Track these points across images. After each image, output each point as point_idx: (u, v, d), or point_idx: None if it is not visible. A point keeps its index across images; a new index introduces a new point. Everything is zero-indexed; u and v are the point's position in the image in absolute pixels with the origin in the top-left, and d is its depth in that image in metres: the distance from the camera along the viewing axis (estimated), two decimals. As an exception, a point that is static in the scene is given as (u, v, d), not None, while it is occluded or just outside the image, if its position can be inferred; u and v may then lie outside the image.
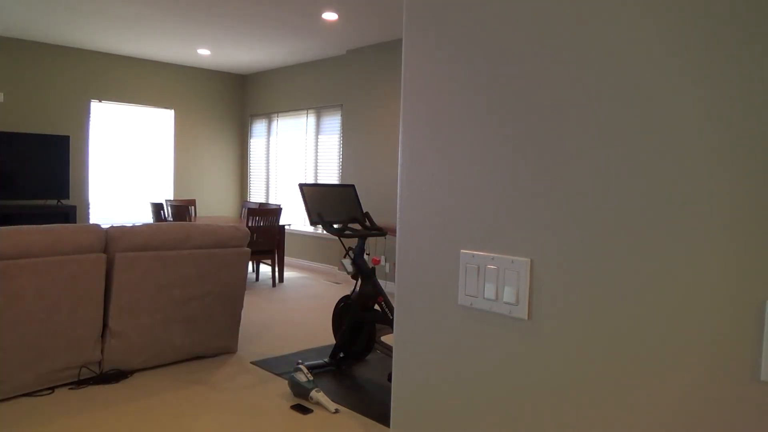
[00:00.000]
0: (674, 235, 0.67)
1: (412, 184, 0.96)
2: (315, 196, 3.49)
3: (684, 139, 0.66)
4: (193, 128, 8.40)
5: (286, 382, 3.38)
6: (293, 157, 8.01)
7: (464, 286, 0.89)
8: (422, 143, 0.94)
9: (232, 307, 3.79)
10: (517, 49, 0.81)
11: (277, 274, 6.73)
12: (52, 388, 3.12)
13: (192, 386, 3.25)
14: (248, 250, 3.82)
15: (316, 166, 7.64)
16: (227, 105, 8.73)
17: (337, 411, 2.97)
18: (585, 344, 0.76)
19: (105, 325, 3.28)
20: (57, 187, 7.00)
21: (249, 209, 5.89)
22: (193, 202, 7.48)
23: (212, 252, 3.62)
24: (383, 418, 2.92)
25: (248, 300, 5.57)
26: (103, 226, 3.26)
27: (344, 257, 3.61)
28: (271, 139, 8.41)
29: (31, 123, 6.97)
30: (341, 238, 3.65)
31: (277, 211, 6.09)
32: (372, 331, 3.59)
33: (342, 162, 7.00)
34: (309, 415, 2.92)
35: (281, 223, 6.59)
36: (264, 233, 6.01)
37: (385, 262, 6.23)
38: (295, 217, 7.90)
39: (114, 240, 3.24)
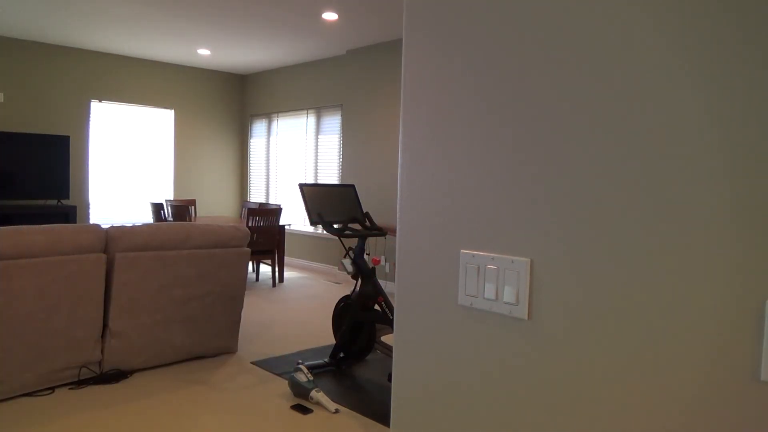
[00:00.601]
0: (674, 234, 0.67)
1: (412, 184, 0.96)
2: (315, 196, 3.49)
3: (684, 139, 0.66)
4: (193, 128, 8.40)
5: (286, 382, 3.38)
6: (293, 157, 8.01)
7: (464, 286, 0.89)
8: (422, 143, 0.94)
9: (232, 307, 3.79)
10: (517, 49, 0.81)
11: (277, 274, 6.73)
12: (52, 388, 3.12)
13: (192, 386, 3.25)
14: (248, 250, 3.82)
15: (316, 166, 7.64)
16: (227, 105, 8.73)
17: (337, 411, 2.98)
18: (585, 344, 0.76)
19: (105, 325, 3.28)
20: (57, 187, 7.00)
21: (249, 209, 5.89)
22: (193, 202, 7.48)
23: (212, 252, 3.62)
24: (383, 418, 2.92)
25: (248, 300, 5.57)
26: (103, 226, 3.26)
27: (344, 257, 3.61)
28: (271, 139, 8.41)
29: (31, 123, 6.97)
30: (341, 238, 3.65)
31: (277, 211, 6.09)
32: (372, 331, 3.59)
33: (342, 162, 7.00)
34: (309, 415, 2.92)
35: (281, 223, 6.59)
36: (264, 233, 6.01)
37: (385, 262, 6.23)
38: (295, 217, 7.90)
39: (114, 240, 3.24)
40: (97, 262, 3.16)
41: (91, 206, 7.55)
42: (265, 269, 7.41)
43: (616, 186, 0.72)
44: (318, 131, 7.61)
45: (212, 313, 3.68)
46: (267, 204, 7.13)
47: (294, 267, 7.80)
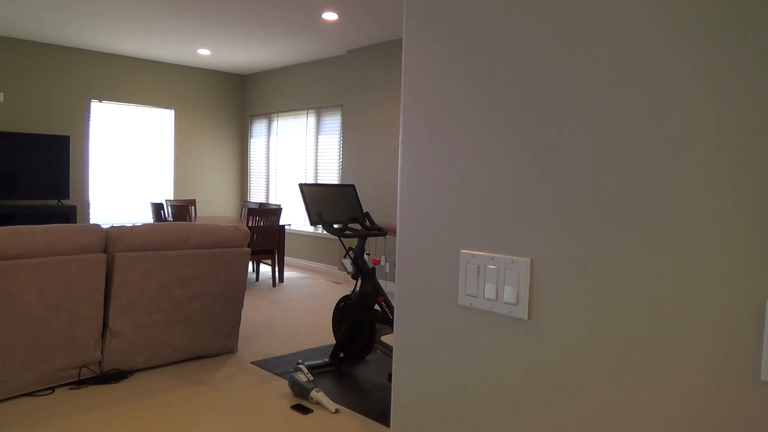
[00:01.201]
0: (675, 234, 0.67)
1: (412, 184, 0.96)
2: (315, 196, 3.49)
3: (685, 139, 0.66)
4: (193, 128, 8.40)
5: (287, 382, 3.38)
6: (293, 157, 8.01)
7: (464, 286, 0.89)
8: (422, 143, 0.94)
9: (232, 307, 3.79)
10: (517, 48, 0.81)
11: (277, 274, 6.73)
12: (53, 388, 3.12)
13: (192, 386, 3.25)
14: (248, 250, 3.82)
15: (316, 166, 7.64)
16: (227, 105, 8.73)
17: (337, 411, 2.98)
18: (585, 344, 0.76)
19: (105, 325, 3.28)
20: (57, 187, 7.00)
21: (249, 209, 5.89)
22: (193, 202, 7.48)
23: (212, 252, 3.62)
24: (383, 418, 2.92)
25: (248, 300, 5.57)
26: (103, 226, 3.26)
27: (344, 257, 3.61)
28: (271, 139, 8.41)
29: (31, 123, 6.97)
30: (341, 238, 3.65)
31: (277, 211, 6.09)
32: (372, 331, 3.59)
33: (342, 162, 7.00)
34: (309, 415, 2.92)
35: (281, 223, 6.59)
36: (264, 233, 6.01)
37: (385, 262, 6.23)
38: (295, 217, 7.90)
39: (114, 240, 3.24)
40: (97, 262, 3.16)
41: (91, 206, 7.55)
42: (265, 269, 7.41)
43: (616, 186, 0.72)
44: (318, 131, 7.61)
45: (212, 313, 3.68)
46: (267, 204, 7.13)
47: (294, 267, 7.80)
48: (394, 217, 6.21)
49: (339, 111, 7.29)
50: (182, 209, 6.05)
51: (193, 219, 6.45)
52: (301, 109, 7.83)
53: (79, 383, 3.19)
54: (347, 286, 6.42)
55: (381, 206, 6.43)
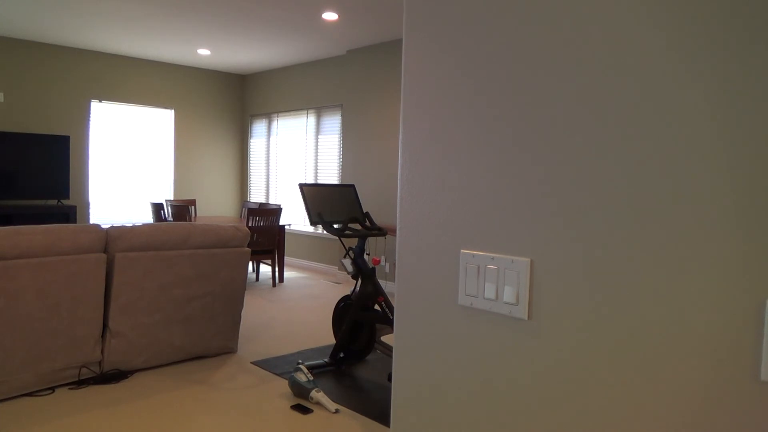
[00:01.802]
0: (674, 234, 0.67)
1: (412, 184, 0.96)
2: (315, 196, 3.49)
3: (685, 139, 0.66)
4: (193, 128, 8.40)
5: (287, 382, 3.38)
6: (293, 157, 8.01)
7: (464, 286, 0.89)
8: (422, 143, 0.94)
9: (232, 307, 3.79)
10: (518, 48, 0.81)
11: (277, 274, 6.73)
12: (53, 388, 3.12)
13: (192, 386, 3.25)
14: (248, 250, 3.82)
15: (316, 166, 7.64)
16: (227, 105, 8.73)
17: (337, 411, 2.98)
18: (585, 344, 0.76)
19: (105, 325, 3.28)
20: (57, 187, 7.00)
21: (249, 209, 5.89)
22: (193, 202, 7.48)
23: (212, 252, 3.62)
24: (383, 418, 2.92)
25: (248, 300, 5.57)
26: (103, 226, 3.26)
27: (344, 257, 3.61)
28: (271, 139, 8.41)
29: (31, 123, 6.97)
30: (341, 238, 3.65)
31: (277, 211, 6.09)
32: (372, 331, 3.59)
33: (342, 162, 7.00)
34: (309, 415, 2.92)
35: (281, 223, 6.59)
36: (264, 233, 6.01)
37: (385, 262, 6.23)
38: (295, 217, 7.90)
39: (114, 240, 3.24)
40: (97, 262, 3.16)
41: (91, 206, 7.55)
42: (265, 269, 7.41)
43: (616, 186, 0.72)
44: (318, 131, 7.61)
45: (212, 313, 3.68)
46: (267, 204, 7.13)
47: (294, 267, 7.80)
48: (394, 217, 6.21)
49: (339, 111, 7.29)
50: (182, 209, 6.05)
51: (193, 219, 6.45)
52: (301, 109, 7.83)
53: (79, 383, 3.19)
54: (347, 286, 6.42)
55: (381, 206, 6.43)
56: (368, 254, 6.45)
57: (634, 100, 0.70)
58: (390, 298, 4.82)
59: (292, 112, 8.02)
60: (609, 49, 0.72)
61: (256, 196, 8.71)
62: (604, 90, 0.73)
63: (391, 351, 3.52)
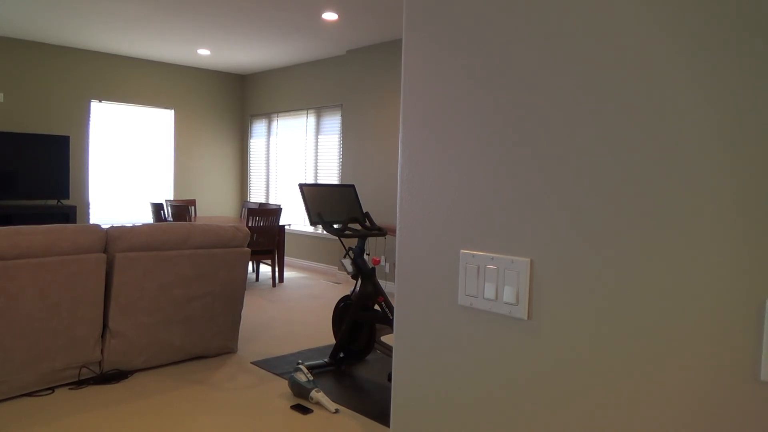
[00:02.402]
0: (674, 234, 0.67)
1: (412, 184, 0.96)
2: (315, 196, 3.49)
3: (685, 139, 0.66)
4: (193, 128, 8.40)
5: (287, 382, 3.38)
6: (293, 157, 8.01)
7: (464, 286, 0.89)
8: (422, 143, 0.94)
9: (232, 307, 3.79)
10: (517, 47, 0.81)
11: (277, 274, 6.73)
12: (53, 388, 3.12)
13: (192, 386, 3.25)
14: (248, 250, 3.82)
15: (316, 166, 7.64)
16: (227, 105, 8.73)
17: (337, 411, 2.98)
18: (585, 344, 0.76)
19: (105, 325, 3.28)
20: (57, 187, 7.00)
21: (249, 209, 5.89)
22: (193, 202, 7.48)
23: (212, 252, 3.62)
24: (383, 418, 2.92)
25: (248, 300, 5.57)
26: (103, 227, 3.26)
27: (344, 257, 3.61)
28: (271, 139, 8.41)
29: (31, 123, 6.97)
30: (341, 238, 3.65)
31: (277, 211, 6.09)
32: (372, 331, 3.59)
33: (342, 162, 7.00)
34: (309, 415, 2.92)
35: (281, 223, 6.59)
36: (264, 233, 6.01)
37: (385, 262, 6.23)
38: (295, 217, 7.90)
39: (114, 240, 3.24)
40: (97, 262, 3.16)
41: (91, 206, 7.55)
42: (265, 269, 7.41)
43: (616, 186, 0.72)
44: (318, 131, 7.61)
45: (212, 313, 3.68)
46: (267, 204, 7.13)
47: (294, 267, 7.80)
48: (394, 217, 6.21)
49: (339, 111, 7.29)
50: (182, 209, 6.05)
51: (192, 219, 6.44)
52: (301, 109, 7.83)
53: (79, 383, 3.19)
54: (347, 286, 6.42)
55: (381, 206, 6.43)
56: (368, 254, 6.45)
57: (634, 100, 0.70)
58: (390, 298, 4.81)
59: (292, 112, 8.02)
60: (610, 47, 0.72)
61: (256, 196, 8.71)
62: (604, 90, 0.73)
63: (391, 351, 3.52)
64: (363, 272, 3.56)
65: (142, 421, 2.77)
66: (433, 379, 0.94)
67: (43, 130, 7.06)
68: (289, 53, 7.20)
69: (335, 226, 3.52)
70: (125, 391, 3.13)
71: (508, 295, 0.83)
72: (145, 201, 8.04)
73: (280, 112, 8.18)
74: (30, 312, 2.93)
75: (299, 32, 6.14)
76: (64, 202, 7.17)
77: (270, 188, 8.44)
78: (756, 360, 0.62)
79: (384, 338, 4.18)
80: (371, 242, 6.39)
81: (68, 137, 7.06)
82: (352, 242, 6.29)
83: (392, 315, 3.37)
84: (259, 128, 8.63)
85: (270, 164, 8.43)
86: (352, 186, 3.73)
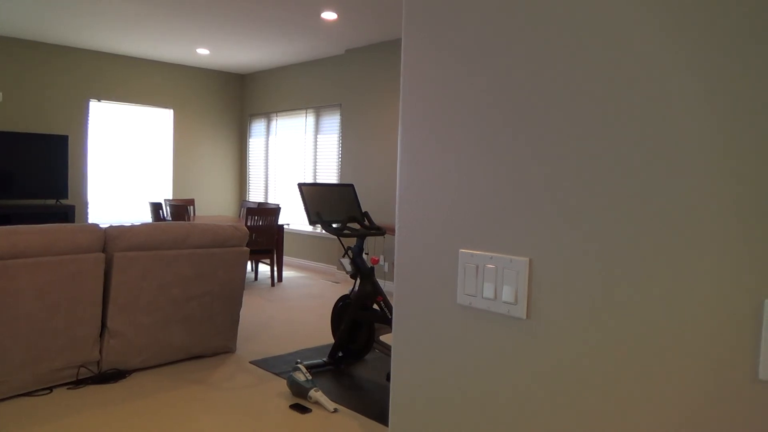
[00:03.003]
0: (673, 234, 0.67)
1: (411, 184, 0.96)
2: (314, 196, 3.49)
3: (685, 138, 0.66)
4: (192, 128, 8.39)
5: (285, 381, 3.38)
6: (292, 157, 8.01)
7: (463, 285, 0.89)
8: (421, 143, 0.94)
9: (231, 306, 3.78)
10: (517, 47, 0.81)
11: (275, 273, 6.73)
12: (51, 388, 3.12)
13: (191, 386, 3.25)
14: (247, 249, 3.82)
15: (315, 165, 7.64)
16: (226, 105, 8.73)
17: (335, 410, 2.98)
18: (584, 343, 0.76)
19: (104, 325, 3.28)
20: (55, 187, 6.99)
21: (248, 209, 5.88)
22: (192, 202, 7.48)
23: (211, 251, 3.62)
24: (382, 417, 2.92)
25: (247, 299, 5.57)
26: (101, 226, 3.26)
27: (343, 257, 3.61)
28: (270, 138, 8.41)
29: (30, 123, 6.96)
30: (340, 238, 3.65)
31: (276, 210, 6.09)
32: (371, 331, 3.59)
33: (341, 161, 7.00)
34: (308, 415, 2.91)
35: (280, 222, 6.59)
36: (263, 233, 6.01)
37: (384, 261, 6.23)
38: (294, 217, 7.90)
39: (113, 239, 3.23)
40: (95, 261, 3.16)
41: (89, 206, 7.54)
42: (264, 269, 7.40)
43: (615, 186, 0.72)
44: (317, 131, 7.61)
45: (211, 312, 3.68)
46: (266, 203, 7.13)
47: (293, 266, 7.80)
48: (393, 217, 6.21)
49: (338, 110, 7.29)
50: (181, 209, 6.05)
51: (191, 218, 6.44)
52: (300, 109, 7.83)
53: (78, 383, 3.19)
54: (346, 286, 6.42)
55: (380, 206, 6.43)
56: (367, 254, 6.45)
57: (634, 101, 0.70)
58: (389, 298, 4.82)
59: (291, 112, 8.02)
60: (610, 47, 0.72)
61: (255, 195, 8.71)
62: (605, 90, 0.73)
63: (390, 350, 3.52)
64: (362, 272, 3.56)
65: (141, 421, 2.77)
66: (432, 379, 0.94)
67: (42, 129, 7.05)
68: (289, 53, 7.19)
69: (334, 225, 3.51)
70: (124, 391, 3.13)
71: (507, 294, 0.83)
72: (143, 200, 8.03)
73: (279, 111, 8.18)
74: (28, 312, 2.93)
75: (298, 32, 6.14)
76: (63, 201, 7.16)
77: (269, 188, 8.44)
78: (755, 359, 0.62)
79: (383, 338, 4.18)
80: (370, 241, 6.39)
81: (67, 137, 7.06)
82: (351, 242, 6.28)
83: (391, 314, 3.37)
84: (258, 128, 8.62)
85: (269, 164, 8.43)
86: (351, 185, 3.73)
